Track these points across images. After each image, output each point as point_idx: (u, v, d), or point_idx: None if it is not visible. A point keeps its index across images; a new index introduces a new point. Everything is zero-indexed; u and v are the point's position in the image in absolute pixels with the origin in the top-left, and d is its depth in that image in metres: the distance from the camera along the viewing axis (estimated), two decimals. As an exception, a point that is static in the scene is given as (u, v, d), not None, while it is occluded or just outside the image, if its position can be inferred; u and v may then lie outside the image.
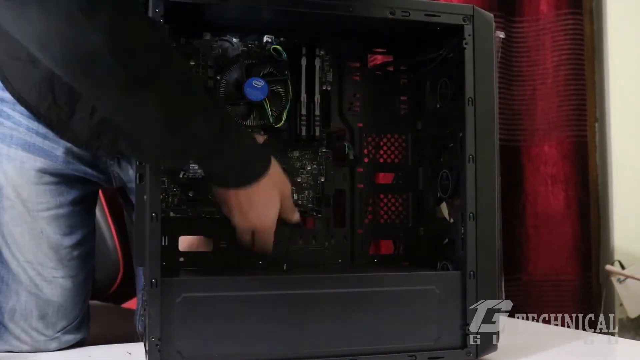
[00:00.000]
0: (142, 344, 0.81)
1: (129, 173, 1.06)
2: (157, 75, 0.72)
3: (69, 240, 1.01)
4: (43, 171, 0.98)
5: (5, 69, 0.97)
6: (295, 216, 0.93)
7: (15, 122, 0.98)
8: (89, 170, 1.02)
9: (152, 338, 0.77)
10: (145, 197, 0.79)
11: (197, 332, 0.78)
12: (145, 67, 0.71)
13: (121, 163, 1.05)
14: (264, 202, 0.87)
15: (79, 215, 1.02)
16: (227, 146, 0.80)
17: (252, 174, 0.84)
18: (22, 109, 0.97)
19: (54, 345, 1.00)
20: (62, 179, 1.00)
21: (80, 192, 1.03)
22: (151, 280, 0.77)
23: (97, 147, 0.99)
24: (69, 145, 0.99)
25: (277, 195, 0.88)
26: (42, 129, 0.98)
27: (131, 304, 1.48)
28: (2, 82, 0.97)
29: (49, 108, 0.97)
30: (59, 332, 1.00)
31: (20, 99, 0.97)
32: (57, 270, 1.00)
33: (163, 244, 0.87)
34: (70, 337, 1.02)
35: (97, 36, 0.66)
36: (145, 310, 0.78)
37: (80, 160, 1.01)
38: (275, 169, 0.87)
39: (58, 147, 0.99)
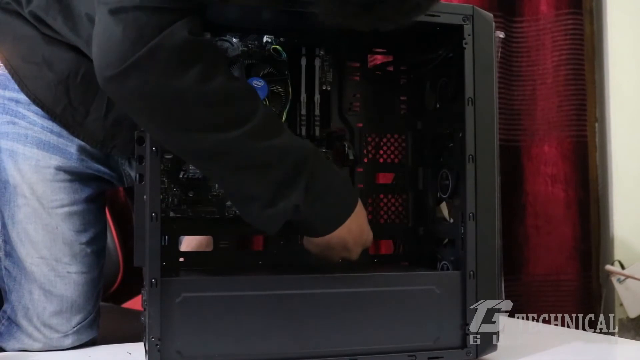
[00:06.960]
0: (142, 343, 0.81)
1: None
2: (248, 119, 0.77)
3: (83, 237, 1.01)
4: (58, 169, 0.99)
5: (20, 72, 0.99)
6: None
7: (30, 122, 0.99)
8: (102, 168, 1.03)
9: (152, 338, 0.77)
10: (145, 197, 0.79)
11: (197, 332, 0.78)
12: (236, 112, 0.77)
13: (132, 163, 1.05)
14: (361, 227, 0.89)
15: (93, 212, 1.03)
16: (323, 187, 0.82)
17: (349, 205, 0.86)
18: (36, 108, 0.99)
19: (67, 342, 1.00)
20: (77, 177, 1.01)
21: (94, 189, 1.04)
22: (151, 280, 0.77)
23: (112, 147, 1.01)
24: (82, 143, 1.00)
25: (365, 214, 0.91)
26: (56, 127, 0.99)
27: (131, 304, 1.48)
28: (18, 85, 0.99)
29: (64, 109, 0.98)
30: (74, 328, 1.00)
31: (36, 100, 0.98)
32: (71, 265, 1.00)
33: (163, 244, 0.87)
34: (84, 334, 1.02)
35: (191, 88, 0.74)
36: (145, 310, 0.78)
37: (93, 158, 1.02)
38: None
39: (72, 145, 1.00)
